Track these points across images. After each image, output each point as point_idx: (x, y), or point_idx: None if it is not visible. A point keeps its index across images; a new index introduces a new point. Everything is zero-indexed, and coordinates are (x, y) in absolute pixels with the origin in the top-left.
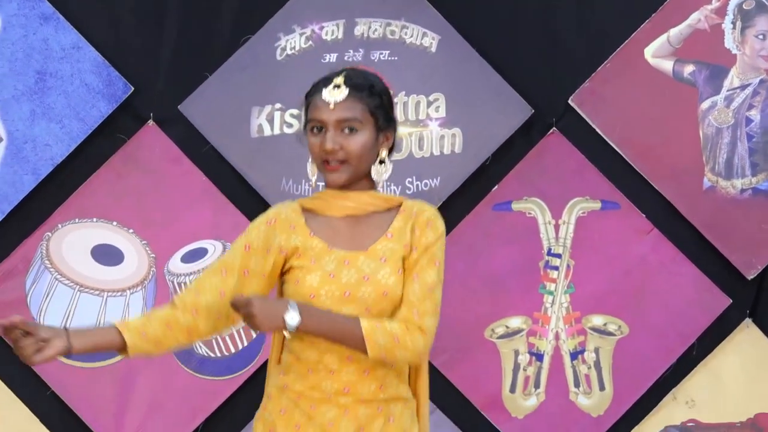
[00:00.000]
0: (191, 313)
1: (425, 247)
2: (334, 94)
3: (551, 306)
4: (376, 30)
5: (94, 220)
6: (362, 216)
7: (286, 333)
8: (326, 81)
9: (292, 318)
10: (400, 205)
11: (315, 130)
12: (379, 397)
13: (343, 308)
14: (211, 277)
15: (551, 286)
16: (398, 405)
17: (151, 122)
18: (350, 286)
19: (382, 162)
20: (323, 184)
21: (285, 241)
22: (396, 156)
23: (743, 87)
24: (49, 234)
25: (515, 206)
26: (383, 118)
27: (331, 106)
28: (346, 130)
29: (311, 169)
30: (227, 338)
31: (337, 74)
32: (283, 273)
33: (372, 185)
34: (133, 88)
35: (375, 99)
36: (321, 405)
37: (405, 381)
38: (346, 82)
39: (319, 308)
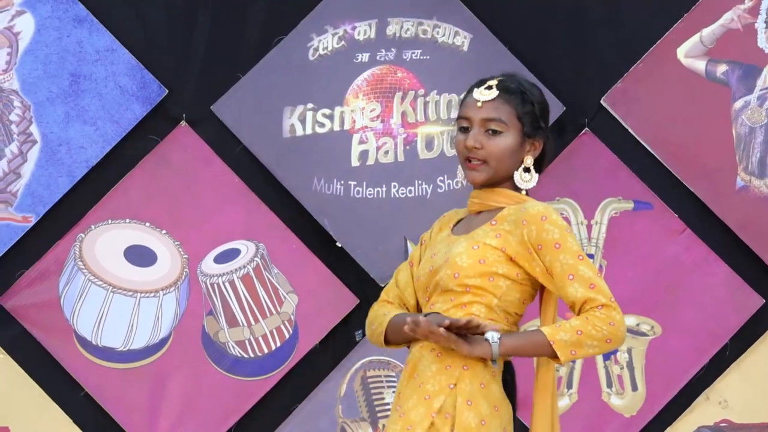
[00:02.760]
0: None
1: (554, 243)
2: (484, 93)
3: None
4: (408, 29)
5: (127, 221)
6: (488, 211)
7: (493, 357)
8: (481, 82)
9: (492, 336)
10: (522, 202)
11: (462, 128)
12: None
13: (431, 281)
14: (403, 272)
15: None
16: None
17: (183, 123)
18: (435, 261)
19: (527, 170)
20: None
21: (436, 232)
22: (428, 154)
23: None
24: (82, 235)
25: None
26: (530, 125)
27: (479, 104)
28: (490, 131)
29: (460, 170)
30: (260, 339)
31: (494, 77)
32: None
33: (514, 189)
34: (167, 91)
35: (526, 105)
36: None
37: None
38: (498, 85)
39: (521, 332)
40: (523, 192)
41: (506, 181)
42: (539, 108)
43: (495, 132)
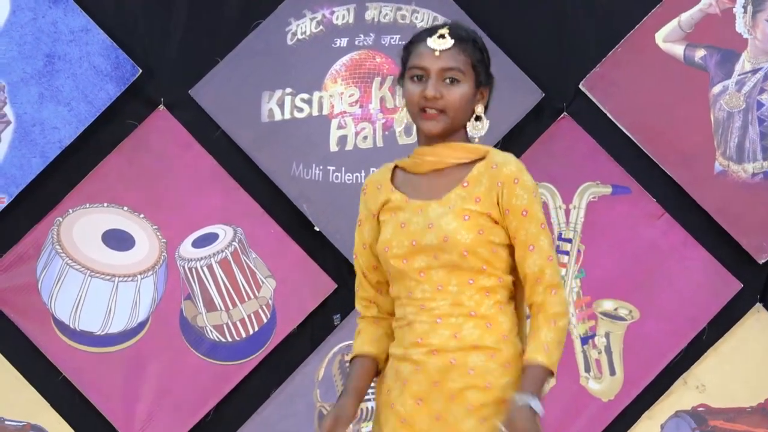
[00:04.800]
0: (378, 312)
1: (522, 209)
2: (440, 42)
3: None
4: (386, 14)
5: (105, 205)
6: (445, 168)
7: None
8: (431, 31)
9: (535, 404)
10: (485, 156)
11: (415, 78)
12: (451, 345)
13: (415, 258)
14: (359, 277)
15: (561, 271)
16: (480, 355)
17: (161, 107)
18: (416, 234)
19: (478, 118)
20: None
21: (374, 203)
22: (407, 140)
23: (755, 71)
24: (60, 219)
25: None
26: (484, 73)
27: (437, 53)
28: (448, 80)
29: (399, 118)
30: (238, 323)
31: (442, 26)
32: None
33: (466, 141)
34: (141, 71)
35: (477, 53)
36: (401, 363)
37: (498, 331)
38: (451, 33)
39: (530, 377)
40: (476, 141)
41: (459, 131)
42: (486, 55)
43: (453, 81)
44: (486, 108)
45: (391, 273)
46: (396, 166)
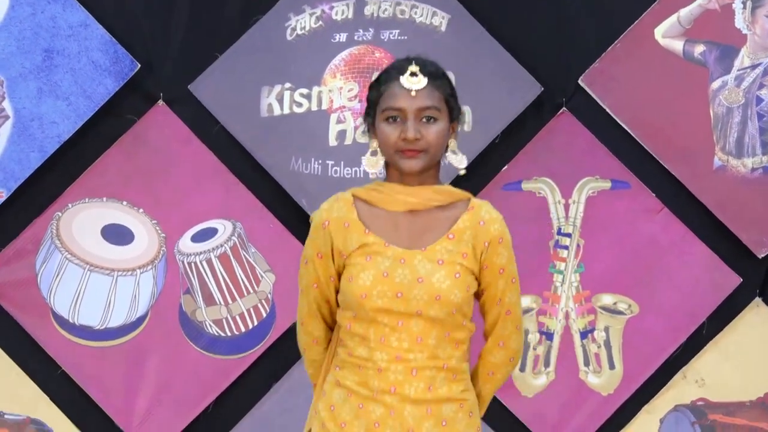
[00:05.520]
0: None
1: (500, 267)
2: (413, 81)
3: (561, 285)
4: (386, 9)
5: (104, 199)
6: (423, 211)
7: None
8: (399, 69)
9: None
10: (466, 201)
11: (390, 119)
12: (427, 397)
13: (394, 308)
14: (309, 314)
15: (561, 266)
16: (452, 406)
17: (160, 102)
18: (403, 286)
19: (454, 152)
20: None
21: (342, 243)
22: None
23: (754, 66)
24: (59, 214)
25: (525, 186)
26: (456, 108)
27: (413, 93)
28: (425, 119)
29: (369, 162)
30: (237, 318)
31: (408, 62)
32: (339, 272)
33: (437, 177)
34: (139, 65)
35: (448, 87)
36: (368, 403)
37: (462, 380)
38: (422, 70)
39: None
40: (461, 172)
41: (434, 167)
42: (453, 88)
43: (430, 119)
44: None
45: (360, 316)
46: (354, 197)
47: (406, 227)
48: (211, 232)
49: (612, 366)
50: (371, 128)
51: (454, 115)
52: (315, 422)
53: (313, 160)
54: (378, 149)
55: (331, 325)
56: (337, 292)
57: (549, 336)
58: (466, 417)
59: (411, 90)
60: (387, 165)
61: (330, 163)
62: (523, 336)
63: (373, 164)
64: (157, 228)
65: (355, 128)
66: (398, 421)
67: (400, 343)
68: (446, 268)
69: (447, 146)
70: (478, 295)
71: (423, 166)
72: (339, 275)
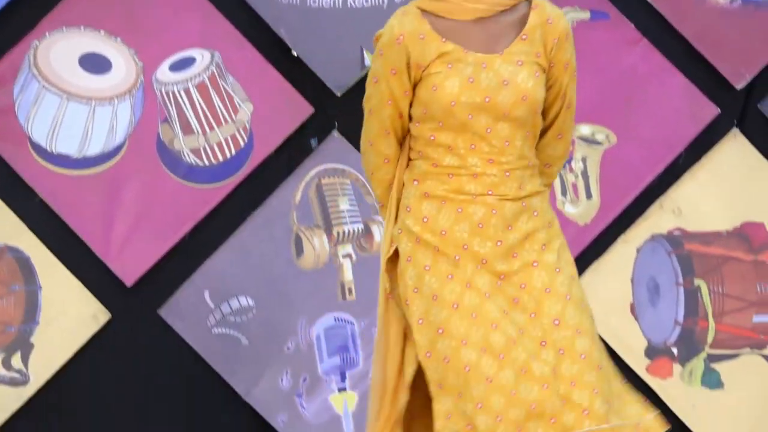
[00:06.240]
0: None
1: (566, 63)
2: None
3: None
4: None
5: (82, 28)
6: (492, 16)
7: None
8: None
9: None
10: (527, 1)
11: None
12: (521, 195)
13: (482, 114)
14: (381, 133)
15: None
16: (537, 198)
17: None
18: (490, 90)
19: None
20: None
21: (421, 55)
22: None
23: None
24: (37, 42)
25: None
26: None
27: None
28: None
29: None
30: (215, 146)
31: None
32: (413, 86)
33: None
34: None
35: None
36: (468, 206)
37: (537, 174)
38: None
39: None
40: None
41: None
42: None
43: None
44: None
45: (448, 124)
46: (421, 10)
47: (479, 34)
48: (189, 62)
49: (589, 196)
50: None
51: None
52: (403, 241)
53: None
54: None
55: (401, 142)
56: (411, 105)
57: None
58: (548, 206)
59: None
60: None
61: None
62: None
63: None
64: (135, 57)
65: None
66: (500, 217)
67: (491, 148)
68: (527, 68)
69: None
70: None
71: None
72: (413, 90)
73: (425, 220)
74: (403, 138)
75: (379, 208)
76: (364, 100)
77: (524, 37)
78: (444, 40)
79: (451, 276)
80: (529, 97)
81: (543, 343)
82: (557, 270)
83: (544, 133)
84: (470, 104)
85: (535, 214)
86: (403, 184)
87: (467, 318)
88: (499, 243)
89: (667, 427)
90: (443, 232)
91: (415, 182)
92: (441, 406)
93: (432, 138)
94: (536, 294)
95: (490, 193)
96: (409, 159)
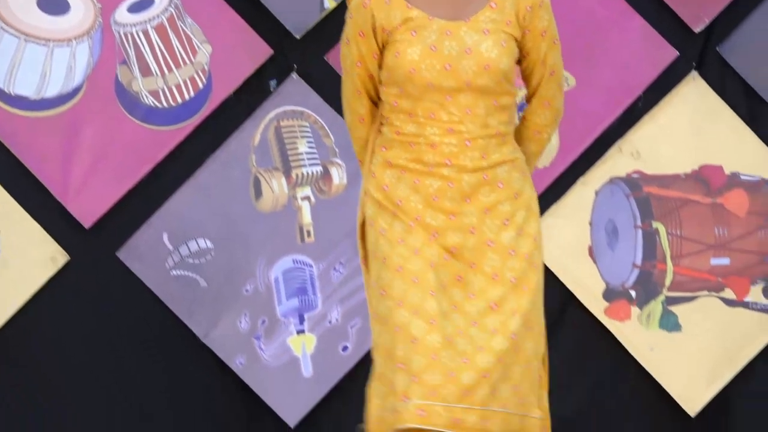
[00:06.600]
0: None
1: (542, 30)
2: None
3: None
4: None
5: None
6: None
7: None
8: None
9: None
10: None
11: None
12: (482, 165)
13: (443, 82)
14: (352, 94)
15: None
16: (504, 167)
17: None
18: (452, 58)
19: None
20: None
21: (386, 19)
22: None
23: None
24: None
25: None
26: None
27: None
28: None
29: None
30: (174, 88)
31: None
32: (381, 49)
33: None
34: None
35: None
36: (425, 178)
37: (510, 142)
38: None
39: None
40: None
41: None
42: None
43: None
44: None
45: (407, 91)
46: None
47: (451, 2)
48: (147, 3)
49: None
50: None
51: None
52: (368, 204)
53: None
54: None
55: (376, 102)
56: (380, 68)
57: None
58: (519, 175)
59: None
60: None
61: None
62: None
63: None
64: None
65: None
66: (456, 190)
67: (450, 116)
68: (492, 36)
69: None
70: (519, 61)
71: None
72: (381, 52)
73: (385, 188)
74: (379, 99)
75: (360, 166)
76: (341, 59)
77: (494, 5)
78: (409, 6)
79: (402, 241)
80: (492, 66)
81: (474, 323)
82: (511, 252)
83: (529, 100)
84: (430, 72)
85: (500, 185)
86: (373, 150)
87: (408, 282)
88: (452, 216)
89: None
90: (399, 202)
91: (383, 149)
92: (376, 368)
93: (395, 104)
94: (482, 277)
95: (447, 163)
96: (381, 124)
